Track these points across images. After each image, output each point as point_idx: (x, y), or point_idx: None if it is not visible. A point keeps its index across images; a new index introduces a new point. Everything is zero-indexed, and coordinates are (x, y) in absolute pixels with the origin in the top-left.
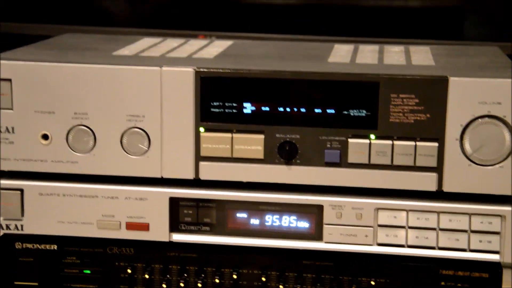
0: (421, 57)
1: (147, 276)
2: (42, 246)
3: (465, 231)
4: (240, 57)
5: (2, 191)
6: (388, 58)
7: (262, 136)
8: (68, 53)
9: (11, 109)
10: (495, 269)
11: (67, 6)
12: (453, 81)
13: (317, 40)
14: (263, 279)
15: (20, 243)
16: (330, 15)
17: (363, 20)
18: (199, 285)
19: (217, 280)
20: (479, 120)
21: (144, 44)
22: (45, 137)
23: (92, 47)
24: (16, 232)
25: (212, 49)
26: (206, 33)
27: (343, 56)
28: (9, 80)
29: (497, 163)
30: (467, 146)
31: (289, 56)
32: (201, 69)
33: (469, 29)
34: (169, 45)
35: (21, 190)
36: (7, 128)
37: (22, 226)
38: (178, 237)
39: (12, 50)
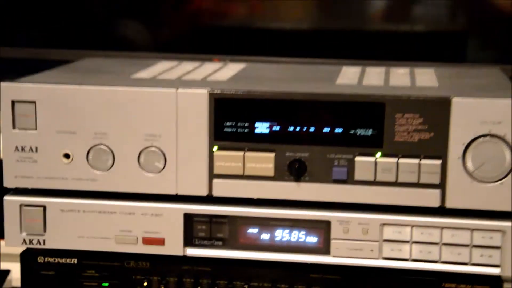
0: (426, 78)
1: None
2: (63, 260)
3: (467, 245)
4: (252, 79)
5: (25, 207)
6: (394, 79)
7: (272, 155)
8: (89, 76)
9: (35, 129)
10: (496, 282)
11: (86, 32)
12: (456, 101)
13: (326, 63)
14: None
15: (42, 257)
16: (338, 39)
17: (370, 44)
18: None
19: None
20: (481, 139)
21: (161, 68)
22: (66, 156)
23: (111, 70)
24: (38, 247)
25: (226, 72)
26: (220, 56)
27: (350, 78)
28: (34, 102)
29: (498, 180)
30: (469, 164)
31: (299, 78)
32: (215, 91)
33: (472, 52)
34: (185, 68)
35: (44, 207)
36: (30, 148)
37: (44, 241)
38: (192, 251)
39: (35, 74)
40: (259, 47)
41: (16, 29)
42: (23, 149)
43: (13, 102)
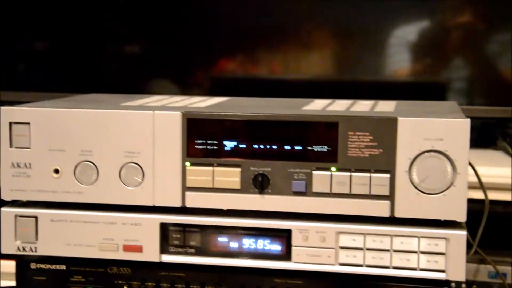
0: (385, 107)
1: None
2: (53, 266)
3: (415, 252)
4: (227, 107)
5: (19, 218)
6: (356, 108)
7: (239, 169)
8: (81, 103)
9: (29, 147)
10: (443, 286)
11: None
12: (402, 120)
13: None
14: None
15: (35, 264)
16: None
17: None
18: None
19: None
20: (425, 154)
21: (152, 99)
22: (56, 171)
23: (105, 100)
24: (30, 253)
25: (208, 102)
26: None
27: (317, 106)
28: (28, 123)
29: (441, 192)
30: (414, 177)
31: (270, 106)
32: (187, 112)
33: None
34: (173, 99)
35: (36, 217)
36: (25, 164)
37: (36, 248)
38: (167, 258)
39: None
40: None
41: (23, 73)
42: (18, 165)
43: (10, 124)
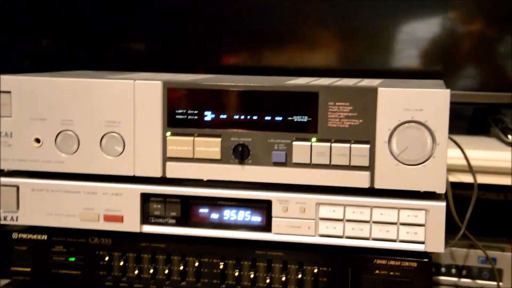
0: (370, 82)
1: (122, 264)
2: (35, 237)
3: (394, 223)
4: (209, 79)
5: (1, 187)
6: (341, 83)
7: (219, 139)
8: (65, 75)
9: (10, 116)
10: (422, 257)
11: None
12: (381, 90)
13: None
14: (221, 267)
15: (16, 233)
16: None
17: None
18: (166, 271)
19: (181, 268)
20: (405, 124)
21: (139, 75)
22: (37, 140)
23: (91, 74)
24: (12, 223)
25: (192, 77)
26: None
27: (301, 81)
28: (9, 92)
29: (421, 163)
30: (394, 148)
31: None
32: (168, 82)
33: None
34: (160, 75)
35: (17, 187)
36: (6, 133)
37: (17, 217)
38: (148, 228)
39: None
40: None
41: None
42: None
43: None
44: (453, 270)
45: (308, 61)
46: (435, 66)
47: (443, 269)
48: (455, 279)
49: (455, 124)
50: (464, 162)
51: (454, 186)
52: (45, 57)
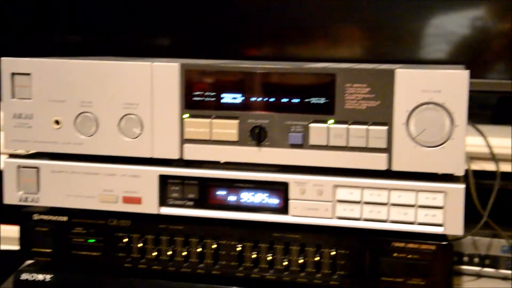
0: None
1: (141, 245)
2: (55, 218)
3: (412, 206)
4: (228, 62)
5: (22, 169)
6: (362, 66)
7: (236, 121)
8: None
9: (30, 98)
10: (441, 240)
11: None
12: (399, 72)
13: None
14: (239, 249)
15: (37, 215)
16: None
17: None
18: (184, 253)
19: (199, 250)
20: (423, 106)
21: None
22: (57, 122)
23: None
24: (33, 204)
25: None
26: None
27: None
28: (29, 74)
29: (439, 145)
30: (412, 130)
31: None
32: (186, 64)
33: None
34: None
35: (37, 168)
36: (26, 115)
37: (38, 198)
38: (165, 210)
39: None
40: None
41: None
42: (20, 116)
43: (12, 74)
44: (476, 260)
45: (332, 55)
46: (460, 57)
47: (465, 258)
48: (477, 268)
49: (479, 113)
50: (487, 150)
51: (477, 175)
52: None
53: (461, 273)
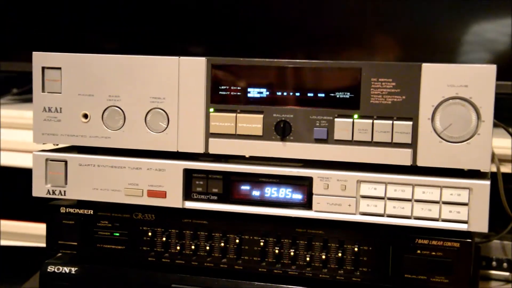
0: None
1: (164, 239)
2: (81, 211)
3: (437, 202)
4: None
5: (50, 162)
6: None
7: (261, 116)
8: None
9: (60, 92)
10: (465, 237)
11: None
12: (425, 66)
13: None
14: (262, 244)
15: (64, 208)
16: None
17: None
18: (207, 248)
19: (222, 244)
20: (449, 101)
21: None
22: (85, 116)
23: None
24: (60, 197)
25: None
26: None
27: None
28: (59, 68)
29: (465, 140)
30: (438, 125)
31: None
32: (212, 58)
33: None
34: None
35: (65, 162)
36: (56, 109)
37: (65, 191)
38: (190, 204)
39: None
40: None
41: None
42: (50, 109)
43: (43, 69)
44: (505, 264)
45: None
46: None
47: (494, 263)
48: (506, 273)
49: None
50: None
51: (507, 178)
52: None
53: (490, 278)
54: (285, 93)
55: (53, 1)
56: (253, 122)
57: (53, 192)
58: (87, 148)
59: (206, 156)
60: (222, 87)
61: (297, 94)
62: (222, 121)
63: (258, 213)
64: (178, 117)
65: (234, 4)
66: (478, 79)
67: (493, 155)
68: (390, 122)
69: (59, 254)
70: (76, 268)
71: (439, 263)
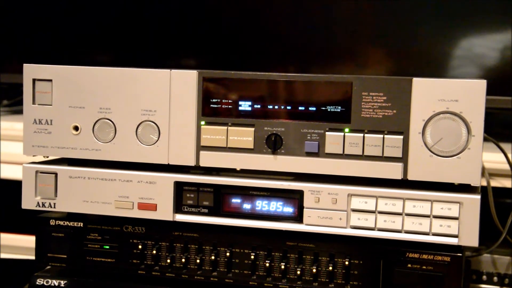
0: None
1: (155, 252)
2: (71, 224)
3: (427, 216)
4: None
5: (40, 174)
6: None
7: (252, 129)
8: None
9: (51, 104)
10: (456, 251)
11: None
12: (416, 81)
13: None
14: (252, 257)
15: (54, 220)
16: None
17: None
18: (198, 261)
19: (213, 257)
20: (439, 115)
21: None
22: (76, 128)
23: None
24: (49, 209)
25: None
26: None
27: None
28: (50, 80)
29: (455, 155)
30: (428, 139)
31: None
32: (203, 71)
33: None
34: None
35: (55, 174)
36: (46, 121)
37: (54, 204)
38: (180, 217)
39: None
40: None
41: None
42: (40, 121)
43: (33, 80)
44: (495, 278)
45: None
46: (485, 77)
47: (484, 277)
48: (496, 287)
49: (502, 132)
50: (507, 167)
51: (497, 192)
52: None
53: None
54: (276, 107)
55: (44, 13)
56: (244, 135)
57: (43, 205)
58: (78, 160)
59: (197, 169)
60: (214, 100)
61: (288, 107)
62: (213, 134)
63: (249, 226)
64: (169, 130)
65: (227, 18)
66: (468, 94)
67: (483, 169)
68: (381, 136)
69: (48, 267)
70: (65, 281)
71: (430, 277)
